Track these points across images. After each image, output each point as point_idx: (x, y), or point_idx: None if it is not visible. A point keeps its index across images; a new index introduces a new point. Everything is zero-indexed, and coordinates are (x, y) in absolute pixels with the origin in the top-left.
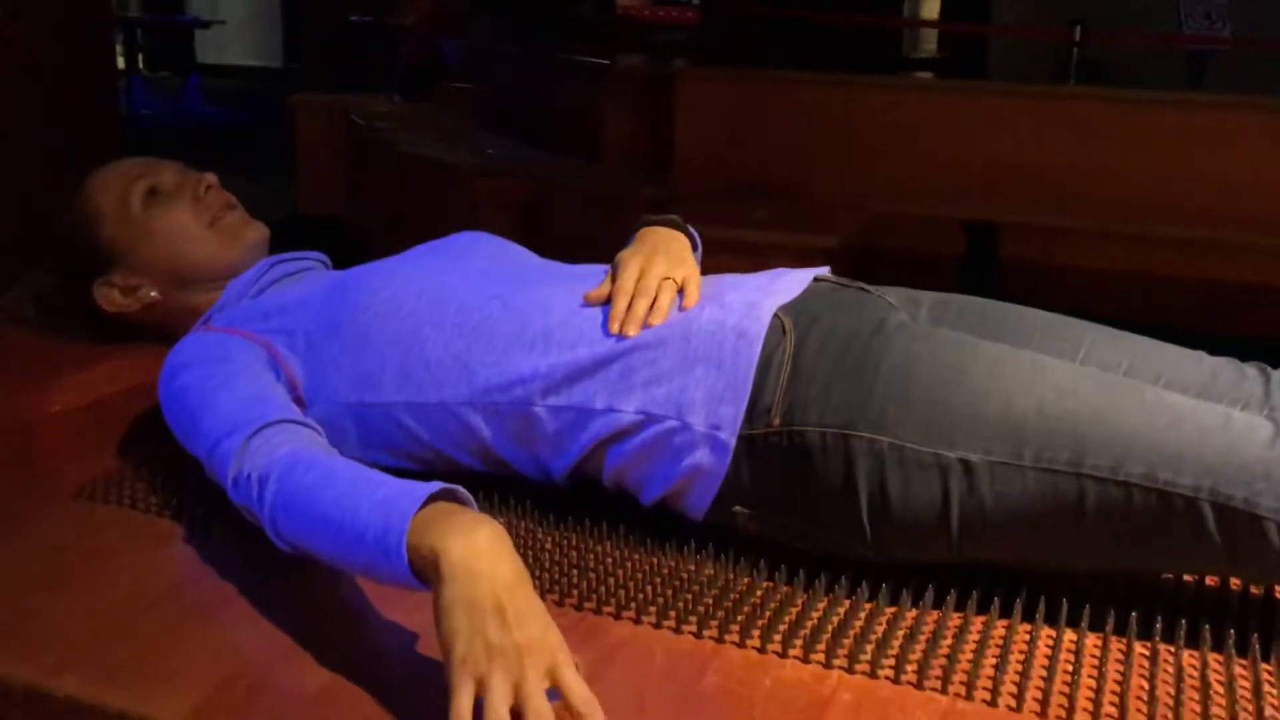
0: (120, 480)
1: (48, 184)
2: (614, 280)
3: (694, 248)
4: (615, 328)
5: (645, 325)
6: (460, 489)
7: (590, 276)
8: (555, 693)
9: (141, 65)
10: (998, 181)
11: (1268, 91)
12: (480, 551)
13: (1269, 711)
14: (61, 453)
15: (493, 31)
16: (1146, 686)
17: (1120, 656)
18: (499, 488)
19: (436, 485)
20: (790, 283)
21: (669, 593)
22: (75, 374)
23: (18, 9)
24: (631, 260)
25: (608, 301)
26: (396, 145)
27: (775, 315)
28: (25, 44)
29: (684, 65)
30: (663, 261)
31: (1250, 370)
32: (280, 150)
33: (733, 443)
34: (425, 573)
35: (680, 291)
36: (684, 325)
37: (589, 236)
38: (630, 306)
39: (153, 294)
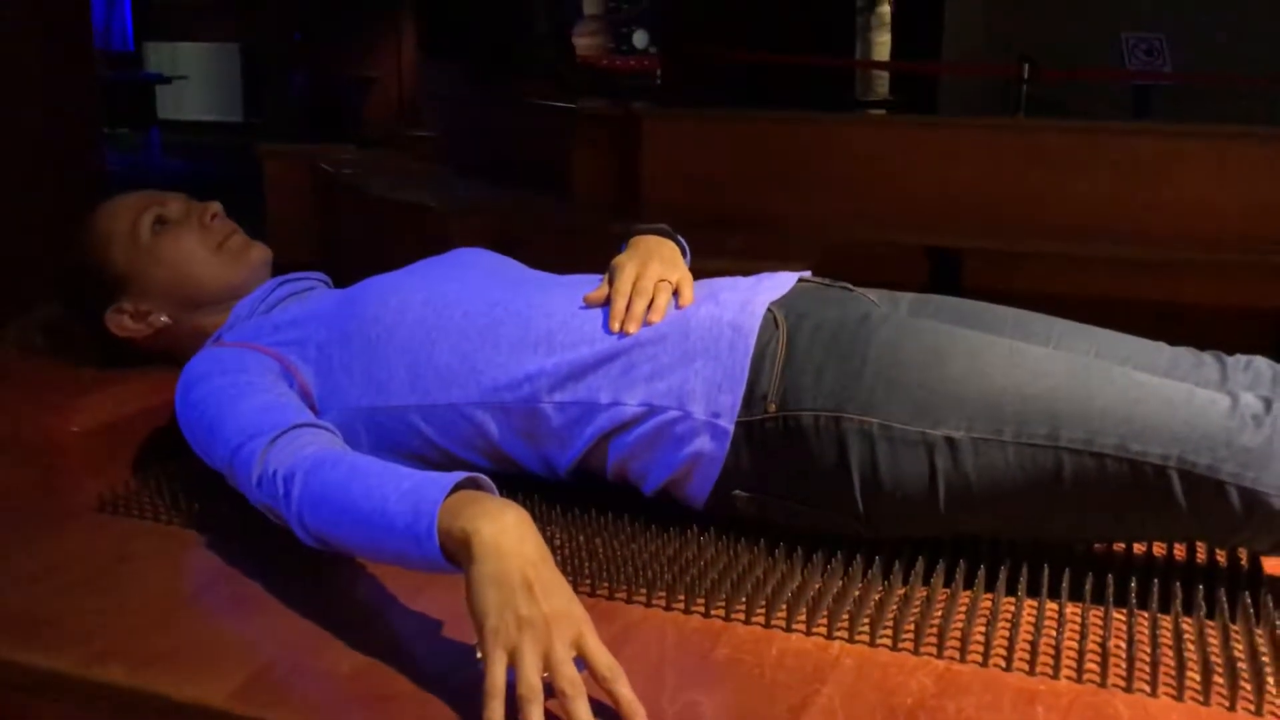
0: (140, 494)
1: (35, 232)
2: (611, 283)
3: (683, 254)
4: (616, 326)
5: (645, 323)
6: (483, 477)
7: (586, 283)
8: (581, 662)
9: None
10: (958, 210)
11: (1207, 120)
12: (508, 531)
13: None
14: (83, 470)
15: (447, 77)
16: (1124, 644)
17: (1099, 619)
18: (507, 485)
19: (461, 474)
20: (778, 282)
21: (675, 574)
22: (91, 397)
23: (6, 65)
24: (628, 264)
25: (607, 303)
26: (368, 190)
27: (768, 310)
28: (14, 99)
29: (647, 106)
30: (657, 264)
31: (1207, 357)
32: (247, 201)
33: (732, 429)
34: (456, 554)
35: (675, 292)
36: (682, 322)
37: (561, 272)
38: (629, 306)
39: (163, 318)
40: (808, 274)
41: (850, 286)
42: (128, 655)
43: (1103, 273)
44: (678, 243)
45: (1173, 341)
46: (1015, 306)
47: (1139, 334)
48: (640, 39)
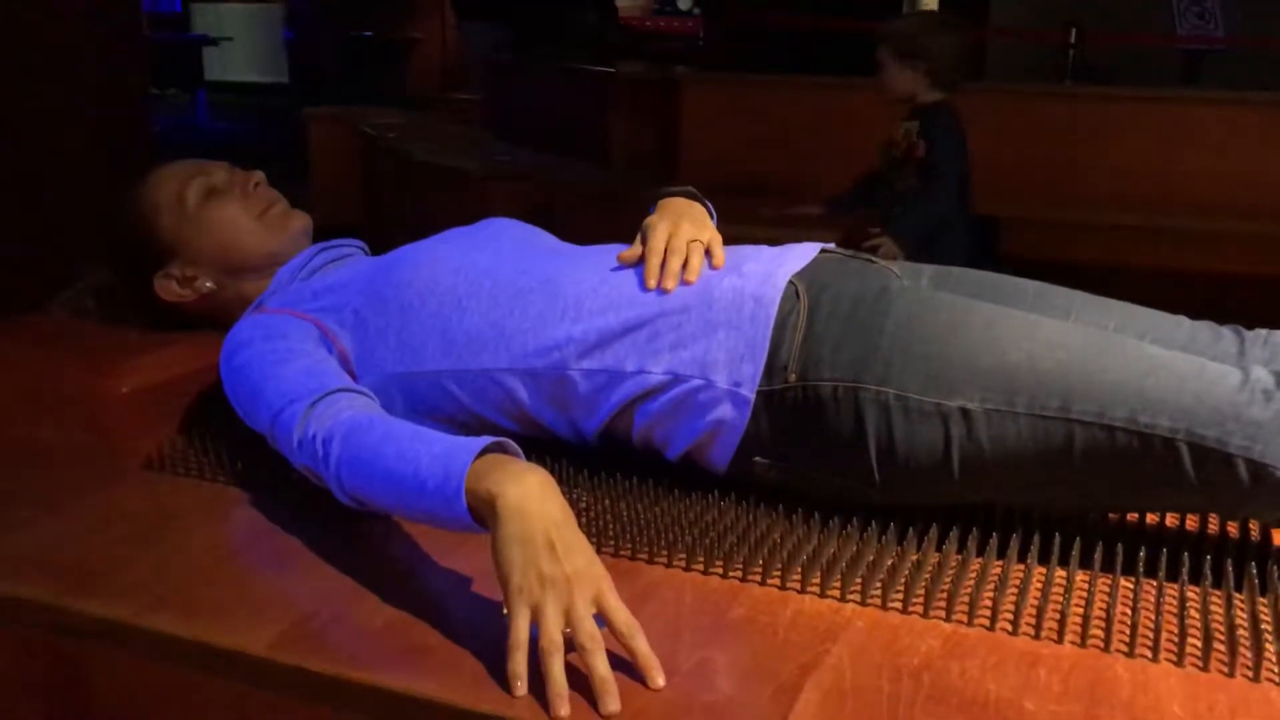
0: (186, 453)
1: (86, 197)
2: (644, 243)
3: (710, 216)
4: (652, 284)
5: (682, 282)
6: (509, 441)
7: (614, 253)
8: (601, 619)
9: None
10: (998, 178)
11: (1261, 87)
12: (531, 494)
13: None
14: (131, 429)
15: (483, 38)
16: (1129, 613)
17: (1105, 587)
18: (535, 449)
19: (489, 439)
20: (801, 253)
21: (695, 536)
22: (140, 359)
23: (56, 29)
24: (660, 224)
25: (640, 262)
26: (410, 154)
27: (790, 281)
28: (64, 63)
29: (688, 71)
30: (688, 225)
31: (1226, 331)
32: (292, 163)
33: (753, 398)
34: (482, 515)
35: (707, 252)
36: (706, 292)
37: (599, 238)
38: (664, 264)
39: (208, 284)
40: (831, 245)
41: (873, 258)
42: (176, 605)
43: (1146, 243)
44: (704, 205)
45: (1216, 315)
46: (1055, 276)
47: (1180, 306)
48: (684, 0)
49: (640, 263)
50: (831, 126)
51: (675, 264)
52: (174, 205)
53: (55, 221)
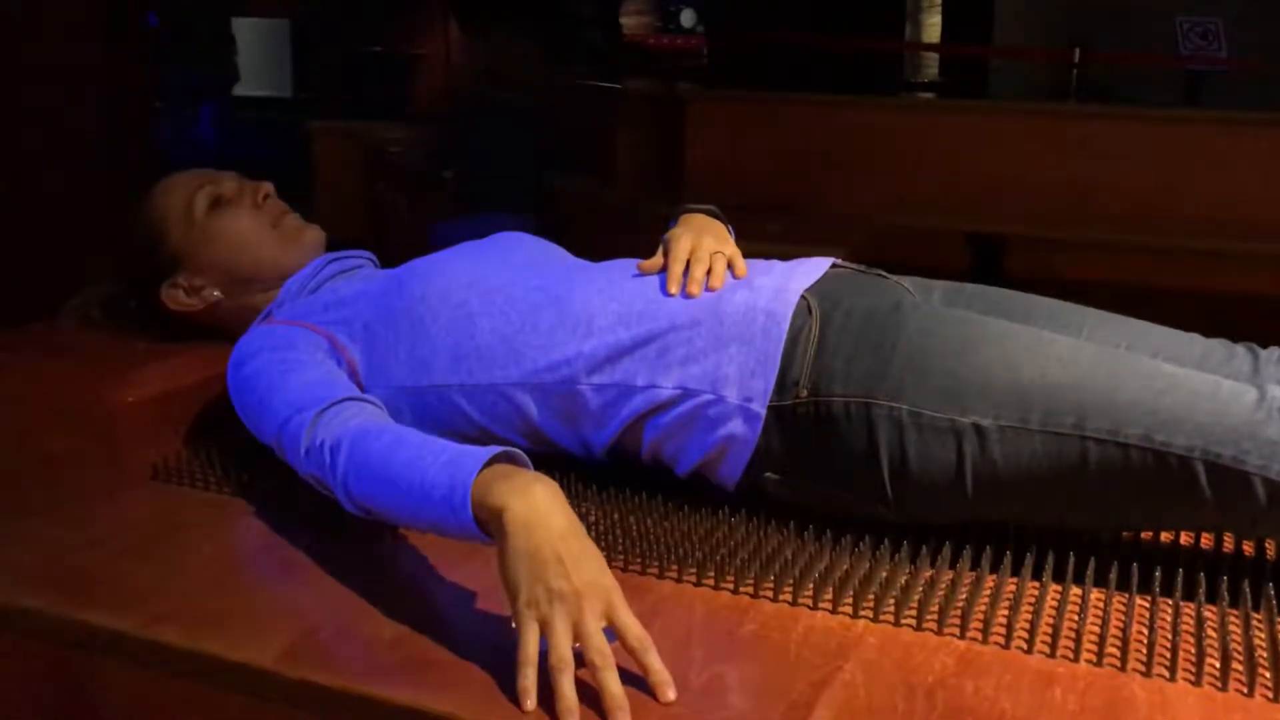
0: (192, 464)
1: (92, 208)
2: (666, 254)
3: (729, 235)
4: (675, 289)
5: (706, 289)
6: (517, 451)
7: (624, 268)
8: (611, 633)
9: None
10: (1002, 196)
11: (1262, 108)
12: (538, 506)
13: None
14: (138, 440)
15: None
16: (1145, 631)
17: (1121, 605)
18: (544, 464)
19: (497, 448)
20: (812, 268)
21: (706, 552)
22: (146, 369)
23: (62, 42)
24: (683, 235)
25: (660, 273)
26: (414, 168)
27: (802, 296)
28: (70, 76)
29: (693, 88)
30: (710, 238)
31: (1239, 349)
32: (296, 177)
33: (764, 413)
34: (489, 527)
35: (729, 265)
36: (716, 307)
37: (603, 253)
38: (689, 270)
39: (215, 294)
40: (841, 260)
41: (884, 274)
42: (182, 617)
43: (1150, 262)
44: (725, 225)
45: (1219, 333)
46: (1059, 294)
47: (1184, 325)
48: (688, 18)
49: (661, 273)
50: (836, 143)
51: (699, 271)
52: (182, 214)
53: (62, 232)
